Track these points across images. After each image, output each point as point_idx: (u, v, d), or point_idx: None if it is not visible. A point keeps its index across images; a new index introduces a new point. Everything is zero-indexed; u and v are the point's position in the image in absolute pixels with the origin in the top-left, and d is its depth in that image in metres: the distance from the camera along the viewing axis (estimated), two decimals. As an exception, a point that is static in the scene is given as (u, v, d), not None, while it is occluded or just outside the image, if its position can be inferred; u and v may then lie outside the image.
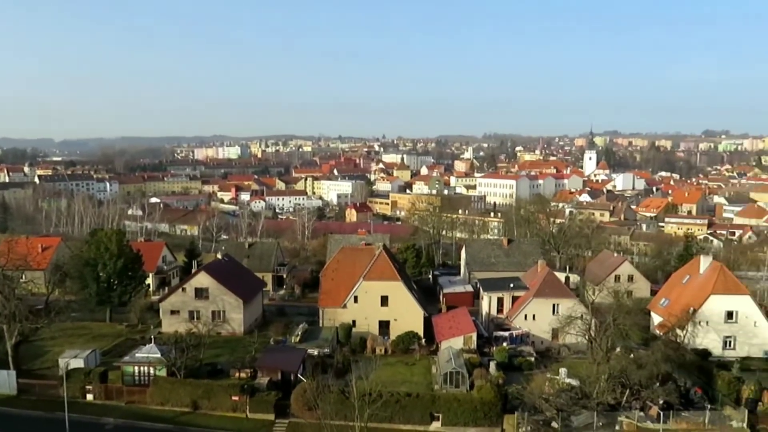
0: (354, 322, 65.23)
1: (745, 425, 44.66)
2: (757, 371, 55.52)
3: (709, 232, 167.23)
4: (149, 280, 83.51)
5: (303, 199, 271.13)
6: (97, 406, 48.11)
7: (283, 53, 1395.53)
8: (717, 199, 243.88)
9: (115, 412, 47.21)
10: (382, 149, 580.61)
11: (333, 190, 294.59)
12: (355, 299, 65.66)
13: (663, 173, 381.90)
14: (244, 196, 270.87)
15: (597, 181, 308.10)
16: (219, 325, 65.25)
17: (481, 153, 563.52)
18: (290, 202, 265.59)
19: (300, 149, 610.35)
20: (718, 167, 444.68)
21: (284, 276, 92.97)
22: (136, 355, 52.50)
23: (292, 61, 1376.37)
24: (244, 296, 68.05)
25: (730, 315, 61.90)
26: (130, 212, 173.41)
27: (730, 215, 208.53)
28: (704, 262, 67.50)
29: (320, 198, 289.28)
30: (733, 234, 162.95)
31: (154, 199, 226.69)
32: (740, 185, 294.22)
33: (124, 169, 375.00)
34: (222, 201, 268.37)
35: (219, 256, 77.04)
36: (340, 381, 49.37)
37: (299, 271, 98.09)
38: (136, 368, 51.26)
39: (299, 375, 50.86)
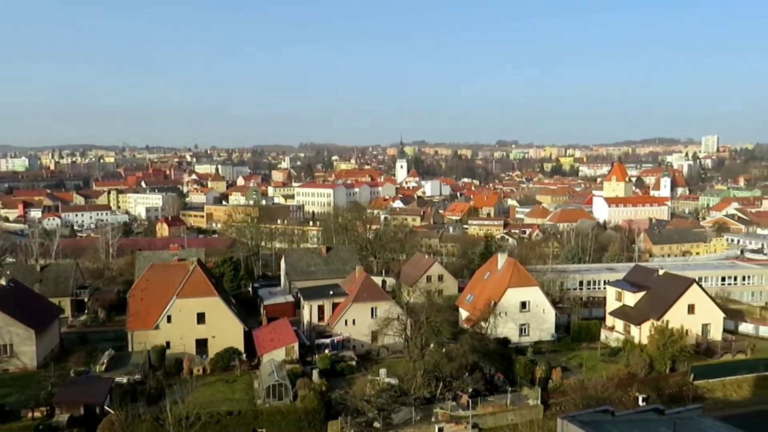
0: (168, 343, 61.31)
1: (539, 402, 50.08)
2: (546, 353, 62.60)
3: (505, 231, 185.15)
4: None
5: (106, 214, 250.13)
6: None
7: (75, 56, 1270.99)
8: (510, 202, 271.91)
9: None
10: (194, 160, 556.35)
11: (141, 203, 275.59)
12: (168, 319, 61.81)
13: (465, 179, 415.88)
14: (35, 213, 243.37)
15: (408, 188, 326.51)
16: (6, 360, 57.65)
17: (298, 163, 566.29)
18: (91, 218, 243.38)
19: (101, 160, 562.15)
20: (510, 173, 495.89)
21: (86, 300, 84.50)
22: None
23: (88, 64, 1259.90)
24: (35, 326, 60.47)
25: (524, 305, 69.17)
26: None
27: (521, 216, 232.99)
28: (501, 259, 74.69)
29: (126, 212, 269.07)
30: (525, 232, 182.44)
31: None
32: (528, 189, 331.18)
33: None
34: (7, 219, 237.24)
35: (3, 282, 67.82)
36: (154, 408, 46.04)
37: (103, 292, 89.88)
38: None
39: (105, 407, 46.48)
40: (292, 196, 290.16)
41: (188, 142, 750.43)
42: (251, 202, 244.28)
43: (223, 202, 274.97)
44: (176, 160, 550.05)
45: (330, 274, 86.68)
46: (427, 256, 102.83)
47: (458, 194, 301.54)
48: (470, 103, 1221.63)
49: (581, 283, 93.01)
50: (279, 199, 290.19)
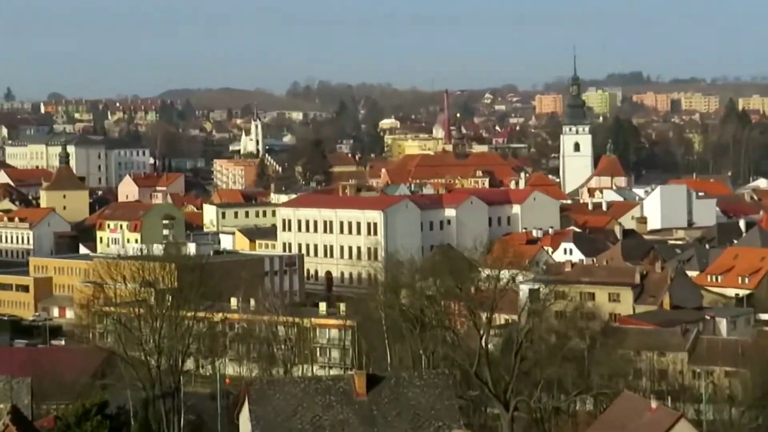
0: None
1: None
2: None
3: None
4: None
5: None
6: None
7: None
8: None
9: None
10: (4, 131, 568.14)
11: None
12: None
13: (760, 181, 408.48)
14: None
15: (596, 206, 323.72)
16: None
17: (286, 138, 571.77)
18: None
19: None
20: None
21: None
22: None
23: None
24: None
25: None
26: None
27: None
28: None
29: None
30: None
31: None
32: None
33: None
34: None
35: None
36: None
37: None
38: None
39: None
40: (272, 234, 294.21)
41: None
42: (158, 249, 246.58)
43: (83, 249, 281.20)
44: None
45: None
46: (655, 404, 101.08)
47: (741, 223, 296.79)
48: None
49: None
50: (232, 241, 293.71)
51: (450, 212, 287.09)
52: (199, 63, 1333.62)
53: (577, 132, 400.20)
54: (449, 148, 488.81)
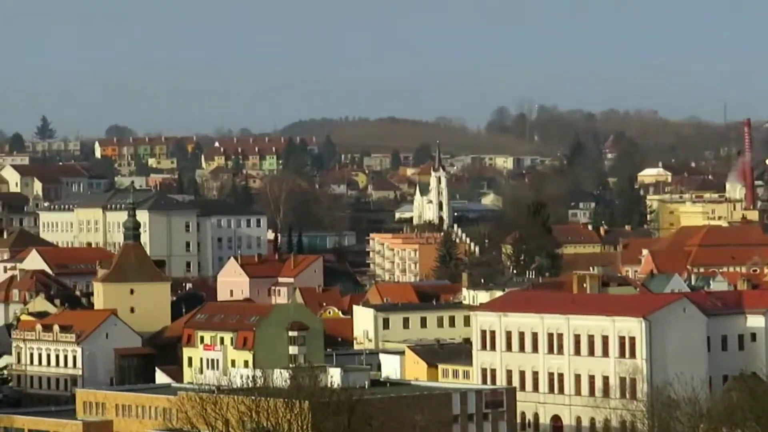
0: None
1: None
2: None
3: None
4: None
5: None
6: None
7: None
8: None
9: None
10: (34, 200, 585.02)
11: None
12: None
13: None
14: None
15: None
16: None
17: (488, 196, 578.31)
18: None
19: None
20: None
21: None
22: None
23: None
24: None
25: None
26: None
27: None
28: None
29: None
30: None
31: None
32: None
33: None
34: None
35: None
36: None
37: None
38: None
39: None
40: (465, 355, 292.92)
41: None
42: (281, 378, 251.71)
43: (161, 376, 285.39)
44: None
45: None
46: None
47: None
48: None
49: None
50: (400, 365, 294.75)
51: (756, 321, 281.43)
52: (347, 77, 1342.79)
53: None
54: (753, 215, 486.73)
